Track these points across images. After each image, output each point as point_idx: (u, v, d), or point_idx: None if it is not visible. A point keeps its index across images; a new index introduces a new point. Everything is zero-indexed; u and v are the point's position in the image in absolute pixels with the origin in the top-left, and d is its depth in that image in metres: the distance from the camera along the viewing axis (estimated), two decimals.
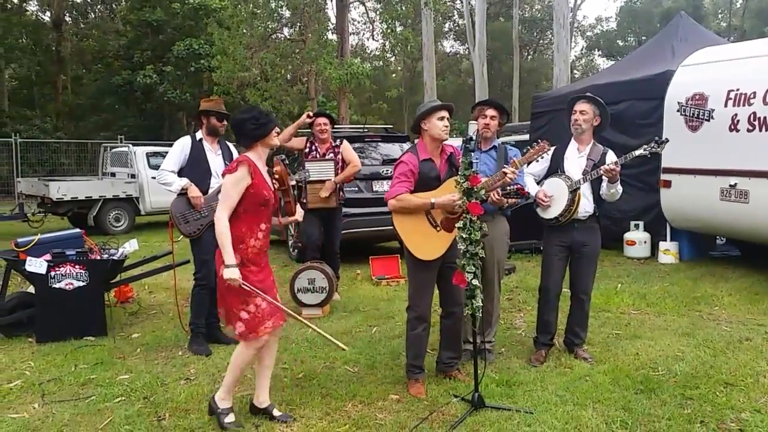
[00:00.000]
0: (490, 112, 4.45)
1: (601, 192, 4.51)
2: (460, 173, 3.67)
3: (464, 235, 3.64)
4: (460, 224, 3.67)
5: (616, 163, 4.34)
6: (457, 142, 4.41)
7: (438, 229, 3.93)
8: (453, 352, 4.28)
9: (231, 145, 5.29)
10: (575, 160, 4.54)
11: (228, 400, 3.65)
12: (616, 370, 4.30)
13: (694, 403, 3.76)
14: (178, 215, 4.94)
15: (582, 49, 48.21)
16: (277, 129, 3.69)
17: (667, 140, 4.43)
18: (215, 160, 5.08)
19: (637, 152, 4.39)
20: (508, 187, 4.11)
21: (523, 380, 4.18)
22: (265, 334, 3.54)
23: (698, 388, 3.97)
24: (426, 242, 3.92)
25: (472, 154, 3.70)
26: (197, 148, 5.08)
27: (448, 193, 3.85)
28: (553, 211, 4.47)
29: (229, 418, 3.60)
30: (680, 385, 4.04)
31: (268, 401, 3.75)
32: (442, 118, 3.92)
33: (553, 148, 4.53)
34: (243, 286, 3.44)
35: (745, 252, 8.38)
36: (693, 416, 3.60)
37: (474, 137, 3.81)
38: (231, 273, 3.40)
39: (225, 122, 5.10)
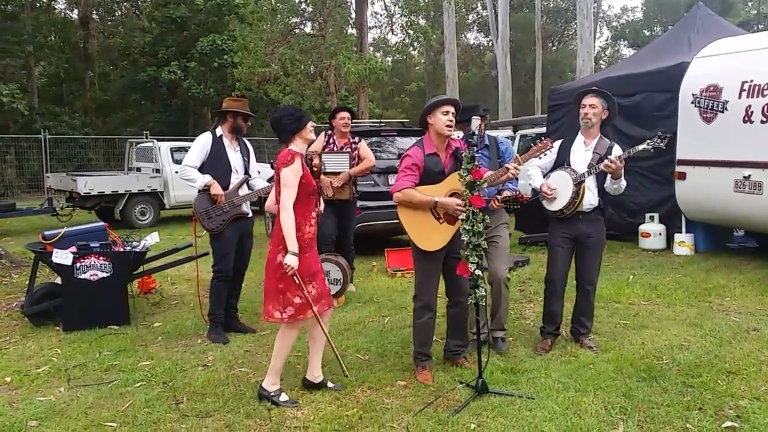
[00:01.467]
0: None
1: (605, 186, 4.59)
2: (462, 167, 3.79)
3: (467, 227, 3.76)
4: (463, 216, 3.79)
5: (619, 157, 4.42)
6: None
7: (441, 221, 4.06)
8: (460, 340, 4.41)
9: (248, 142, 5.46)
10: (581, 153, 4.63)
11: (277, 383, 3.88)
12: (620, 359, 4.39)
13: (695, 391, 3.84)
14: (201, 211, 5.09)
15: (607, 40, 47.73)
16: (312, 124, 3.92)
17: (669, 135, 4.51)
18: (234, 156, 5.25)
19: (640, 147, 4.48)
20: (506, 193, 4.24)
21: (527, 368, 4.30)
22: (309, 317, 3.86)
23: (700, 377, 4.05)
24: (429, 234, 4.05)
25: (475, 149, 3.83)
26: (218, 145, 5.20)
27: (451, 188, 3.99)
28: (558, 204, 4.57)
29: (283, 397, 3.84)
30: (683, 373, 4.12)
31: (322, 375, 4.03)
32: (446, 113, 4.00)
33: (557, 144, 4.64)
34: (294, 277, 3.70)
35: (763, 244, 8.35)
36: (692, 403, 3.68)
37: (476, 132, 3.93)
38: (292, 261, 3.65)
39: (249, 122, 5.31)
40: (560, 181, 4.56)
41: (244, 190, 5.24)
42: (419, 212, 4.05)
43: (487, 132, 4.68)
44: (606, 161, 4.39)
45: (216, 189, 5.08)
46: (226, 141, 5.24)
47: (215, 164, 5.17)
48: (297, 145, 3.86)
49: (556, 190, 4.54)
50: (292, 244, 3.68)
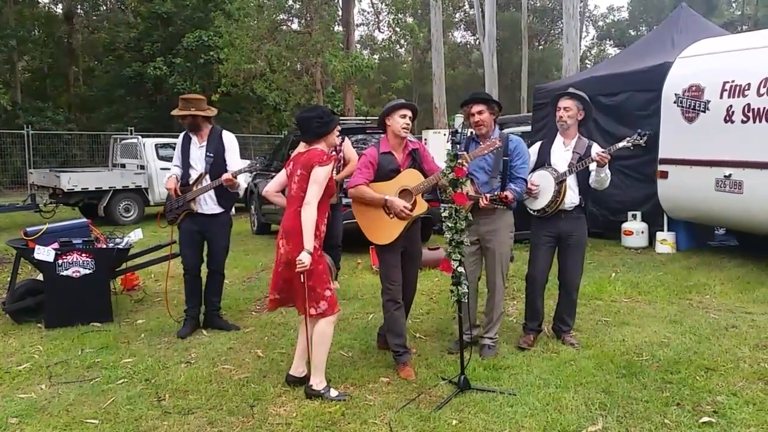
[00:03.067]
0: (475, 108, 4.48)
1: (590, 180, 4.64)
2: (445, 164, 3.82)
3: (450, 224, 3.79)
4: (445, 213, 3.82)
5: (603, 152, 4.48)
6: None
7: (391, 216, 4.19)
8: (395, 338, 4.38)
9: (225, 133, 5.35)
10: (561, 153, 4.68)
11: (323, 381, 3.88)
12: (600, 355, 4.44)
13: (673, 387, 3.89)
14: (166, 205, 5.36)
15: (593, 39, 48.01)
16: (339, 127, 3.96)
17: (648, 133, 4.59)
18: (196, 153, 5.24)
19: (621, 144, 4.56)
20: (495, 194, 4.25)
21: (509, 364, 4.33)
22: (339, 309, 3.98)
23: (679, 373, 4.10)
24: (380, 228, 4.21)
25: (459, 146, 3.85)
26: (184, 143, 5.33)
27: (401, 184, 4.19)
28: (540, 203, 4.61)
29: (333, 392, 3.85)
30: (662, 369, 4.18)
31: (306, 370, 4.02)
32: (404, 116, 4.20)
33: (537, 146, 4.71)
34: (302, 274, 3.71)
35: (743, 242, 8.45)
36: (671, 399, 3.73)
37: (460, 130, 3.94)
38: (306, 258, 3.65)
39: (194, 119, 5.17)
40: (542, 180, 4.60)
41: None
42: (371, 208, 4.23)
43: (497, 129, 4.63)
44: (600, 154, 4.45)
45: (168, 183, 5.25)
46: (194, 138, 5.28)
47: (180, 160, 5.34)
48: (322, 147, 3.89)
49: (539, 187, 4.57)
50: (310, 242, 3.69)
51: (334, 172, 6.39)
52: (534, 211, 4.69)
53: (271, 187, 4.27)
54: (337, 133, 4.05)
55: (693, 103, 7.48)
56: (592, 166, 4.56)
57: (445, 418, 3.54)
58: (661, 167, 8.00)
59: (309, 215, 3.72)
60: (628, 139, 4.55)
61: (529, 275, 4.80)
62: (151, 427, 3.54)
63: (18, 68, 27.64)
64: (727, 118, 7.02)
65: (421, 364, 4.38)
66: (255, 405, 3.78)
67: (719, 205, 7.28)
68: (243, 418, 3.62)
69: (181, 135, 5.39)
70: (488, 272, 4.62)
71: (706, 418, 3.46)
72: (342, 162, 6.58)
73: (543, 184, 4.58)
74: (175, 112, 5.29)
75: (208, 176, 5.17)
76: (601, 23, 47.15)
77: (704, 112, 7.35)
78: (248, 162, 5.32)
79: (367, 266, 7.73)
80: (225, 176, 5.06)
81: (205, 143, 5.24)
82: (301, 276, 3.71)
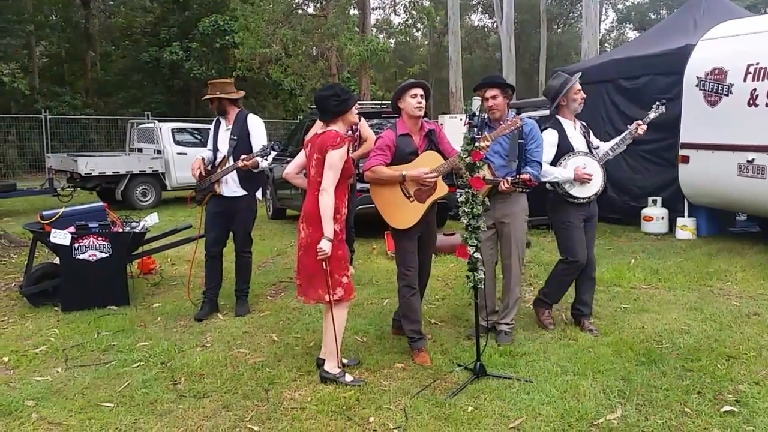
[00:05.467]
0: (489, 92, 4.40)
1: (612, 153, 4.71)
2: (462, 148, 3.75)
3: (466, 209, 3.73)
4: (462, 198, 3.76)
5: (641, 124, 4.66)
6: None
7: (411, 199, 4.11)
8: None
9: (251, 117, 5.35)
10: (578, 137, 4.62)
11: (337, 365, 3.86)
12: (619, 343, 4.37)
13: (694, 375, 3.83)
14: (196, 186, 5.40)
15: (613, 22, 47.34)
16: (357, 105, 3.90)
17: (664, 102, 4.76)
18: (223, 135, 5.30)
19: (652, 115, 4.73)
20: (518, 177, 4.16)
21: (526, 351, 4.28)
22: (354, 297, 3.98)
23: (700, 361, 4.03)
24: (399, 212, 4.12)
25: (476, 130, 3.77)
26: (216, 126, 5.42)
27: (420, 167, 4.04)
28: (591, 189, 4.54)
29: (348, 378, 3.84)
30: (682, 357, 4.11)
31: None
32: (414, 96, 4.08)
33: (551, 136, 4.58)
34: (324, 262, 3.69)
35: (765, 228, 8.30)
36: (691, 387, 3.67)
37: (477, 113, 3.87)
38: (326, 245, 3.63)
39: (221, 102, 5.24)
40: (591, 167, 4.53)
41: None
42: (390, 191, 4.13)
43: (511, 111, 4.56)
44: (641, 127, 4.63)
45: (194, 164, 5.35)
46: (223, 122, 5.34)
47: (211, 143, 5.42)
48: (338, 127, 3.82)
49: (592, 176, 4.51)
50: (329, 229, 3.65)
51: (350, 150, 6.39)
52: (583, 198, 4.55)
53: (290, 170, 4.22)
54: (356, 111, 3.97)
55: (716, 87, 7.33)
56: (629, 142, 4.67)
57: (461, 404, 3.50)
58: (682, 152, 7.86)
59: (326, 202, 3.67)
60: (653, 110, 4.63)
61: (576, 260, 4.58)
62: (167, 410, 3.54)
63: (36, 53, 27.76)
64: (751, 102, 6.87)
65: (437, 350, 4.34)
66: (270, 389, 3.78)
67: (741, 191, 7.14)
68: (258, 402, 3.61)
69: (213, 122, 5.49)
70: (504, 257, 4.55)
71: (727, 407, 3.39)
72: (358, 142, 6.54)
73: (593, 171, 4.53)
74: (204, 98, 5.39)
75: (231, 158, 5.18)
76: (620, 6, 46.47)
77: (727, 95, 7.19)
78: (262, 145, 5.25)
79: (382, 251, 7.70)
80: (239, 163, 5.05)
81: (231, 126, 5.27)
82: (324, 263, 3.68)
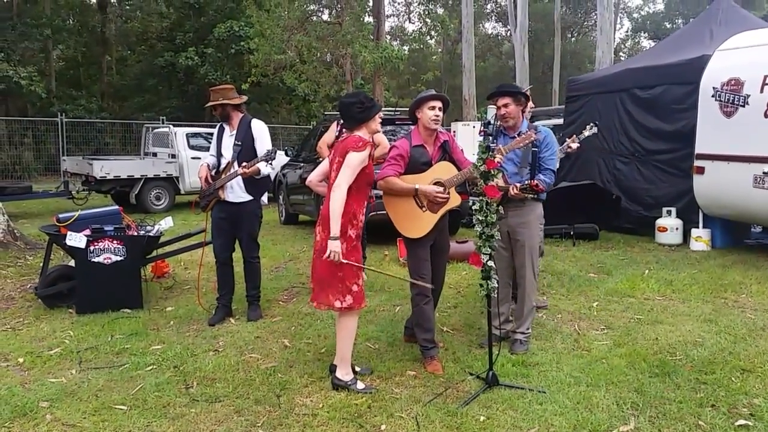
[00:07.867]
0: (501, 101, 4.40)
1: None
2: (477, 157, 3.75)
3: (480, 218, 3.72)
4: (476, 206, 3.76)
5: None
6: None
7: (423, 209, 4.13)
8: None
9: (254, 122, 5.34)
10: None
11: (349, 372, 3.87)
12: (633, 354, 4.34)
13: (708, 388, 3.80)
14: (200, 192, 5.45)
15: (627, 31, 47.20)
16: (380, 114, 3.90)
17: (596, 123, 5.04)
18: (227, 141, 5.32)
19: (586, 133, 4.79)
20: (526, 183, 4.17)
21: (539, 361, 4.26)
22: (365, 305, 3.95)
23: (714, 374, 4.00)
24: (412, 221, 4.14)
25: (491, 138, 3.78)
26: (219, 132, 5.44)
27: (434, 176, 4.09)
28: None
29: (360, 385, 3.83)
30: (696, 369, 4.07)
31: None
32: (433, 108, 4.10)
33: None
34: (343, 260, 3.67)
35: None
36: (705, 400, 3.63)
37: (492, 121, 3.88)
38: (335, 246, 3.62)
39: (224, 108, 5.24)
40: None
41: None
42: (403, 200, 4.15)
43: (525, 121, 4.56)
44: (573, 143, 4.97)
45: (200, 171, 5.38)
46: (226, 127, 5.37)
47: (215, 149, 5.46)
48: (362, 134, 3.84)
49: None
50: (336, 228, 3.62)
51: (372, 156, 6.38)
52: None
53: (313, 177, 4.22)
54: (379, 120, 3.98)
55: (732, 97, 7.29)
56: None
57: (473, 413, 3.49)
58: (697, 162, 7.81)
59: (337, 198, 3.65)
60: (588, 129, 4.71)
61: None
62: (179, 414, 3.55)
63: (53, 57, 28.06)
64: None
65: (449, 359, 4.33)
66: (281, 395, 3.78)
67: (757, 203, 7.08)
68: (269, 408, 3.61)
69: (216, 128, 5.49)
70: (518, 266, 4.54)
71: (742, 421, 3.36)
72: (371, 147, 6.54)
73: None
74: (207, 105, 5.38)
75: (235, 164, 5.18)
76: (636, 15, 46.35)
77: (743, 106, 7.15)
78: (266, 150, 5.22)
79: (394, 258, 7.69)
80: (239, 170, 5.08)
81: (235, 132, 5.28)
82: (336, 269, 3.68)
